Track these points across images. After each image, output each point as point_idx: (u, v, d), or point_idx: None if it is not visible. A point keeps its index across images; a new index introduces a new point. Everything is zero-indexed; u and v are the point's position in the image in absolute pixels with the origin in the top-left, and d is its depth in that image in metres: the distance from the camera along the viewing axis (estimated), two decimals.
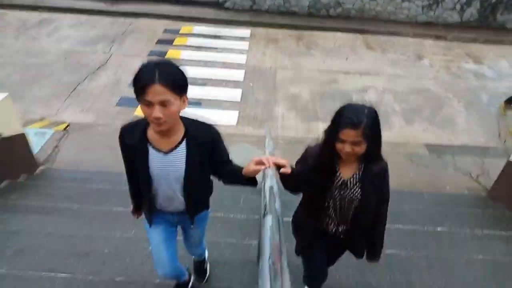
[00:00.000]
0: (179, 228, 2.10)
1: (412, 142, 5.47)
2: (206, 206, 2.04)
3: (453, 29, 9.22)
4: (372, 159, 1.75)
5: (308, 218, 1.97)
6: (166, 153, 1.68)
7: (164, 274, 2.01)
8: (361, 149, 1.63)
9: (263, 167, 1.63)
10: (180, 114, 1.62)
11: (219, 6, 9.32)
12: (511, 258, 2.68)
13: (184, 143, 1.68)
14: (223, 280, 2.40)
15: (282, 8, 9.37)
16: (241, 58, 7.35)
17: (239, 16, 9.01)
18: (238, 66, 7.06)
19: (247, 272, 2.40)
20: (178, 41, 7.81)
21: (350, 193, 1.80)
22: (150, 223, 1.93)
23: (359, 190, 1.79)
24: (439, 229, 3.16)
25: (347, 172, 1.79)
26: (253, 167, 1.63)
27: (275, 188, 1.65)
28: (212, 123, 1.75)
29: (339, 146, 1.65)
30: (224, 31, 8.41)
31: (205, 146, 1.71)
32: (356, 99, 6.13)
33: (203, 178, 1.84)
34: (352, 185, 1.79)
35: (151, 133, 1.67)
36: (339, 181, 1.79)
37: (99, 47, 7.47)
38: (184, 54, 7.34)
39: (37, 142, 4.94)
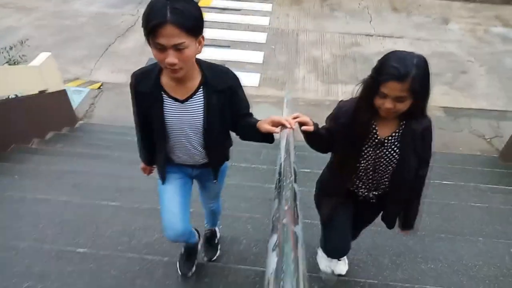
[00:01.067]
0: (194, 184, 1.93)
1: (430, 104, 5.58)
2: (227, 158, 1.89)
3: None
4: (415, 117, 1.51)
5: (337, 181, 1.76)
6: (182, 101, 1.54)
7: (175, 238, 1.75)
8: (404, 105, 1.41)
9: (277, 129, 1.50)
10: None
11: None
12: (506, 207, 2.93)
13: (201, 90, 1.54)
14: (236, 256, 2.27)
15: None
16: (264, 20, 7.47)
17: None
18: (261, 28, 7.21)
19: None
20: (202, 2, 7.95)
21: (387, 153, 1.59)
22: (164, 178, 1.77)
23: (398, 150, 1.58)
24: (444, 182, 3.41)
25: (385, 130, 1.57)
26: (267, 126, 1.50)
27: (292, 158, 1.41)
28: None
29: (378, 101, 1.43)
30: None
31: (224, 93, 1.57)
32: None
33: (223, 129, 1.70)
34: (390, 144, 1.58)
35: (165, 80, 1.53)
36: (375, 139, 1.58)
37: (127, 9, 7.74)
38: (208, 16, 7.51)
39: (75, 99, 5.37)
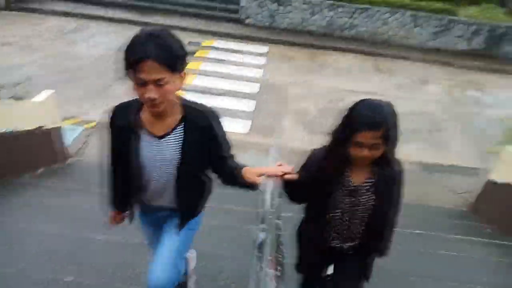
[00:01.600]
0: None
1: (407, 159, 5.93)
2: (199, 208, 1.77)
3: (460, 57, 9.69)
4: (388, 163, 1.53)
5: (311, 232, 1.75)
6: (159, 138, 1.50)
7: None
8: (379, 152, 1.43)
9: (263, 179, 1.48)
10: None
11: (240, 22, 10.02)
12: (467, 254, 3.16)
13: (180, 127, 1.50)
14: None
15: (299, 27, 9.99)
16: (258, 72, 7.97)
17: (258, 32, 9.69)
18: (254, 80, 7.68)
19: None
20: (199, 53, 8.48)
21: (362, 201, 1.58)
22: (131, 220, 1.77)
23: (373, 196, 1.57)
24: (416, 231, 3.63)
25: (358, 178, 1.57)
26: (253, 177, 1.48)
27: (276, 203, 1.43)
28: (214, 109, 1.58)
29: (354, 151, 1.44)
30: (243, 46, 9.07)
31: (205, 131, 1.52)
32: None
33: (200, 171, 1.65)
34: (364, 191, 1.58)
35: (145, 115, 1.50)
36: (349, 187, 1.58)
37: None
38: (204, 66, 7.99)
39: (69, 136, 5.58)
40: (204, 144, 1.54)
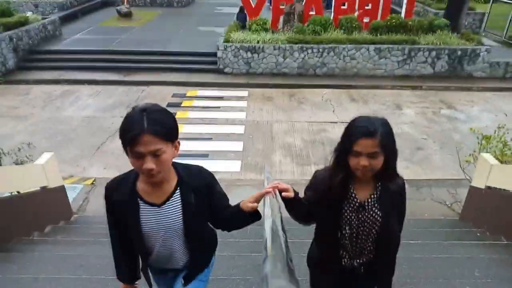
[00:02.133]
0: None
1: None
2: (210, 258, 1.87)
3: (427, 80, 10.41)
4: (390, 176, 1.60)
5: (323, 252, 1.80)
6: (159, 205, 1.55)
7: None
8: (378, 162, 1.50)
9: (257, 203, 1.53)
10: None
11: (219, 71, 10.60)
12: (464, 256, 3.39)
13: (178, 191, 1.56)
14: None
15: (274, 70, 10.62)
16: (241, 115, 8.39)
17: (237, 79, 10.25)
18: (239, 121, 8.08)
19: None
20: (185, 103, 8.90)
21: (369, 216, 1.63)
22: (149, 284, 1.78)
23: (379, 212, 1.62)
24: (411, 242, 3.87)
25: (363, 193, 1.63)
26: (250, 204, 1.53)
27: (278, 223, 1.35)
28: (205, 168, 1.68)
29: (353, 161, 1.51)
30: (225, 93, 9.57)
31: (201, 190, 1.60)
32: None
33: (204, 228, 1.73)
34: (370, 206, 1.63)
35: (141, 186, 1.55)
36: (355, 204, 1.63)
37: (117, 112, 8.53)
38: (191, 114, 8.37)
39: (69, 195, 5.73)
40: (203, 203, 1.60)
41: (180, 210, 1.56)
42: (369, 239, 1.66)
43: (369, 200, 1.62)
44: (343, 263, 1.73)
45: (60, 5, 16.05)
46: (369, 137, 1.45)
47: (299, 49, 10.34)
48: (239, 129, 7.75)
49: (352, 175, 1.57)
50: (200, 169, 1.65)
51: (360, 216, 1.62)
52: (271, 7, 12.52)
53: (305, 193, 1.75)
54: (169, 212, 1.55)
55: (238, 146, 7.13)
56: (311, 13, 11.63)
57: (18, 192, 4.28)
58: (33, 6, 15.51)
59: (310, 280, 1.94)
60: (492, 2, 14.59)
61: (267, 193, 1.51)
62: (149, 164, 1.36)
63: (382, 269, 1.77)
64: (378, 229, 1.63)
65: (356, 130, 1.49)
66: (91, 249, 3.68)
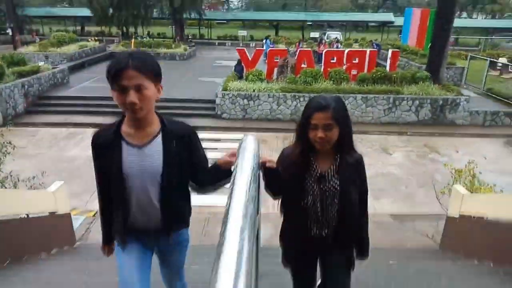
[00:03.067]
0: (155, 258, 1.90)
1: (379, 213, 6.67)
2: (185, 222, 1.86)
3: (412, 127, 11.11)
4: (346, 150, 1.79)
5: (291, 223, 1.92)
6: (140, 147, 1.59)
7: None
8: (333, 134, 1.68)
9: (234, 158, 1.66)
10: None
11: (217, 117, 11.29)
12: (439, 275, 3.74)
13: (160, 136, 1.61)
14: None
15: (269, 116, 11.33)
16: None
17: (234, 123, 10.93)
18: None
19: None
20: None
21: (329, 186, 1.78)
22: (124, 244, 1.75)
23: (338, 182, 1.78)
24: (391, 262, 4.22)
25: (323, 165, 1.79)
26: (226, 158, 1.73)
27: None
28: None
29: (312, 134, 1.69)
30: (222, 135, 10.16)
31: (183, 141, 1.65)
32: None
33: (182, 182, 1.73)
34: (330, 177, 1.79)
35: (125, 129, 1.61)
36: (316, 174, 1.79)
37: None
38: None
39: (74, 224, 6.05)
40: (183, 154, 1.66)
41: (161, 154, 1.60)
42: (332, 209, 1.79)
43: (329, 171, 1.79)
44: (312, 233, 1.86)
45: (68, 56, 17.17)
46: (323, 110, 1.66)
47: (292, 97, 11.11)
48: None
49: (313, 149, 1.75)
50: (183, 122, 1.73)
51: (321, 186, 1.79)
52: (266, 61, 13.55)
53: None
54: (150, 154, 1.60)
55: None
56: (303, 66, 12.61)
57: (27, 215, 4.64)
58: (44, 57, 16.58)
59: (283, 256, 2.05)
60: (470, 59, 15.80)
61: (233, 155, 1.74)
62: (132, 97, 1.43)
63: (349, 239, 1.91)
64: (338, 198, 1.78)
65: (312, 105, 1.70)
66: (100, 267, 4.00)
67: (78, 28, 35.83)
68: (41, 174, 5.22)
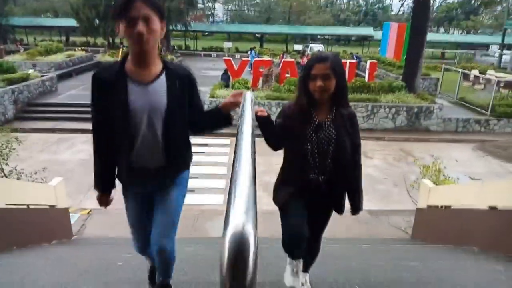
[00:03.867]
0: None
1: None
2: (186, 164, 1.95)
3: (389, 132, 11.76)
4: (342, 104, 1.97)
5: (291, 171, 2.08)
6: (146, 84, 1.66)
7: (140, 243, 1.99)
8: (330, 83, 1.86)
9: (240, 98, 1.82)
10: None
11: None
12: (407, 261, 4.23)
13: (163, 75, 1.69)
14: None
15: (257, 130, 11.78)
16: (224, 158, 9.34)
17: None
18: (222, 164, 9.00)
19: None
20: None
21: (326, 134, 1.95)
22: (126, 187, 1.87)
23: (333, 130, 1.94)
24: (364, 246, 4.70)
25: (321, 116, 1.97)
26: (230, 99, 1.86)
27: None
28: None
29: (311, 84, 1.87)
30: (209, 141, 10.57)
31: (184, 81, 1.74)
32: None
33: (183, 119, 1.79)
34: (326, 126, 1.96)
35: (129, 67, 1.65)
36: (315, 123, 1.95)
37: None
38: None
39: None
40: (185, 93, 1.75)
41: (165, 91, 1.67)
42: (327, 156, 1.96)
43: (326, 121, 1.96)
44: (309, 177, 2.00)
45: (56, 64, 17.38)
46: (321, 61, 1.86)
47: (276, 104, 11.65)
48: (223, 170, 8.65)
49: (312, 101, 1.93)
50: (184, 66, 1.83)
51: (318, 134, 1.96)
52: (251, 72, 14.08)
53: (275, 120, 2.09)
54: (154, 91, 1.66)
55: (221, 183, 7.98)
56: (286, 75, 13.21)
57: (27, 206, 4.95)
58: (31, 65, 16.75)
59: (277, 196, 2.18)
60: (444, 70, 16.73)
61: (240, 94, 1.92)
62: (141, 27, 1.49)
63: (342, 186, 2.07)
64: (333, 146, 1.95)
65: (312, 59, 1.93)
66: (110, 251, 4.36)
67: (63, 38, 35.84)
68: (42, 169, 5.51)
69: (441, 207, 5.24)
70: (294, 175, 2.07)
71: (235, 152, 1.21)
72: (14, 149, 5.49)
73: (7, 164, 5.35)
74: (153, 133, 1.70)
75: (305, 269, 2.34)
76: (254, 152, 1.24)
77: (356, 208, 2.17)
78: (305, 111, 1.97)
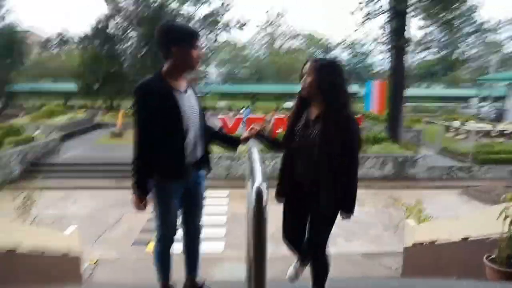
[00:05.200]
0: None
1: (351, 252, 7.61)
2: (209, 161, 2.36)
3: (378, 181, 12.41)
4: (333, 107, 1.99)
5: (285, 164, 2.21)
6: (184, 92, 2.12)
7: (172, 236, 2.32)
8: (311, 80, 2.00)
9: (254, 131, 2.30)
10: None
11: None
12: None
13: (189, 86, 2.18)
14: None
15: None
16: (223, 209, 9.84)
17: (219, 182, 11.92)
18: (221, 213, 9.48)
19: None
20: None
21: (311, 131, 2.03)
22: (169, 186, 2.16)
23: (317, 131, 1.99)
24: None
25: (312, 114, 2.07)
26: (246, 134, 2.33)
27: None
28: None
29: (301, 84, 2.05)
30: (208, 193, 11.05)
31: (196, 91, 2.26)
32: None
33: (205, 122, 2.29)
34: (313, 124, 2.04)
35: (169, 79, 2.08)
36: (305, 120, 2.09)
37: (113, 210, 9.78)
38: None
39: None
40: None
41: (195, 97, 2.17)
42: (312, 153, 2.01)
43: (315, 119, 2.06)
44: (297, 173, 2.14)
45: (58, 127, 18.22)
46: (308, 62, 2.08)
47: (270, 157, 12.36)
48: (222, 219, 9.10)
49: (305, 100, 2.12)
50: None
51: (305, 131, 2.09)
52: (245, 129, 14.94)
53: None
54: (190, 97, 2.15)
55: (221, 232, 8.40)
56: (278, 130, 14.09)
57: (42, 252, 5.34)
58: (35, 128, 17.55)
59: (276, 191, 2.31)
60: (427, 123, 17.88)
61: (251, 134, 2.34)
62: (201, 53, 2.09)
63: (326, 187, 2.02)
64: (317, 146, 1.98)
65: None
66: None
67: (62, 101, 37.25)
68: (59, 219, 5.96)
69: (426, 243, 5.74)
70: (284, 169, 2.23)
71: (249, 155, 1.79)
72: (35, 200, 5.97)
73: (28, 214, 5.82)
74: (198, 132, 2.17)
75: (315, 285, 2.30)
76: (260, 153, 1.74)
77: (346, 211, 2.15)
78: (298, 108, 2.17)
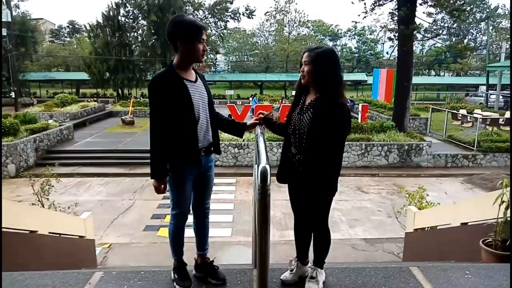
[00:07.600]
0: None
1: (355, 237, 7.86)
2: (218, 145, 2.46)
3: (383, 169, 12.59)
4: (326, 94, 2.08)
5: (284, 147, 2.35)
6: (194, 81, 2.23)
7: (186, 213, 2.42)
8: (308, 69, 2.10)
9: (260, 117, 2.45)
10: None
11: None
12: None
13: (198, 76, 2.31)
14: None
15: None
16: (231, 196, 10.13)
17: (227, 170, 12.21)
18: (229, 200, 9.77)
19: None
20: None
21: (305, 116, 2.14)
22: (183, 171, 2.25)
23: (310, 115, 2.11)
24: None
25: (308, 99, 2.19)
26: (253, 120, 2.46)
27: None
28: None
29: (301, 69, 2.15)
30: (216, 180, 11.36)
31: (205, 80, 2.38)
32: None
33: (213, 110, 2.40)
34: (307, 108, 2.16)
35: (179, 71, 2.19)
36: (302, 105, 2.22)
37: (125, 196, 10.14)
38: None
39: None
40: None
41: (203, 86, 2.30)
42: (303, 136, 2.14)
43: (309, 104, 2.18)
44: (289, 154, 2.29)
45: (71, 115, 18.61)
46: (307, 51, 2.18)
47: (277, 145, 12.59)
48: (229, 206, 9.40)
49: (304, 86, 2.23)
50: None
51: (300, 115, 2.20)
52: (253, 116, 15.13)
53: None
54: (200, 86, 2.27)
55: (229, 218, 8.71)
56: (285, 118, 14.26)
57: (59, 234, 5.67)
58: (48, 116, 17.97)
59: (277, 173, 2.41)
60: (432, 111, 17.87)
61: (258, 119, 2.48)
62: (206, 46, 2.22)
63: (314, 169, 2.11)
64: (308, 129, 2.11)
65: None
66: None
67: (74, 90, 37.77)
68: (74, 205, 6.30)
69: (427, 229, 5.95)
70: (284, 153, 2.36)
71: (256, 141, 2.04)
72: (53, 186, 6.30)
73: (47, 199, 6.16)
74: (208, 120, 2.31)
75: (316, 263, 2.36)
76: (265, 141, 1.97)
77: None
78: (297, 94, 2.31)
